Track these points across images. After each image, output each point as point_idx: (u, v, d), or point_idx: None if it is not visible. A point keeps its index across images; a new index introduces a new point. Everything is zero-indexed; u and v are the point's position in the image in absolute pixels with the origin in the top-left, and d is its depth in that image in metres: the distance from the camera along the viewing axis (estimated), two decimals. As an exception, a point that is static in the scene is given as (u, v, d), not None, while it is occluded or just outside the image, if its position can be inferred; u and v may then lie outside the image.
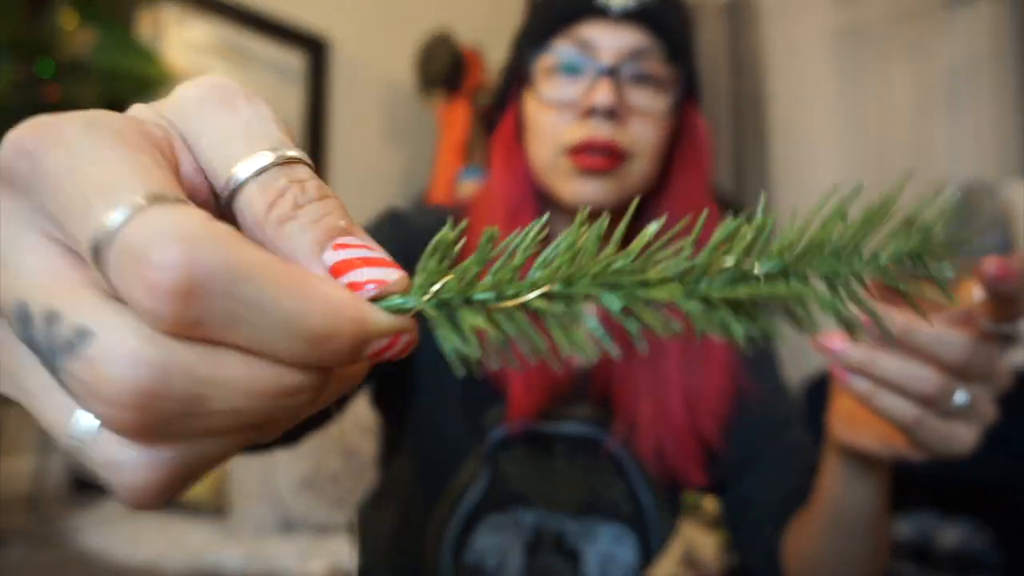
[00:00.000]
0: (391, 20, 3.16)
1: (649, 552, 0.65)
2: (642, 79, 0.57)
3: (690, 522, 1.65)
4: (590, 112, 0.55)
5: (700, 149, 0.62)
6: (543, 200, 0.61)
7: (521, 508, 0.62)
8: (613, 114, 0.55)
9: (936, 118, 2.60)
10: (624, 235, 0.20)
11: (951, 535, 1.50)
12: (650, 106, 0.57)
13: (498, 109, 0.66)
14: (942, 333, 0.31)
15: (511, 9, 3.46)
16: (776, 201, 2.95)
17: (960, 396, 0.33)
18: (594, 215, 0.57)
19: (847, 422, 0.42)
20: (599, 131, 0.55)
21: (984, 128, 2.50)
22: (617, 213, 0.54)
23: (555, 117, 0.57)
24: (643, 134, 0.57)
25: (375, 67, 3.11)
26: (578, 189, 0.57)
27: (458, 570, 0.61)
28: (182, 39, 2.53)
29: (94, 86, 1.89)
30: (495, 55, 3.03)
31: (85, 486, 2.10)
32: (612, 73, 0.54)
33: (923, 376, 0.32)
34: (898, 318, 0.31)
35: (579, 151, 0.55)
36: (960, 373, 0.32)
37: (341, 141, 2.96)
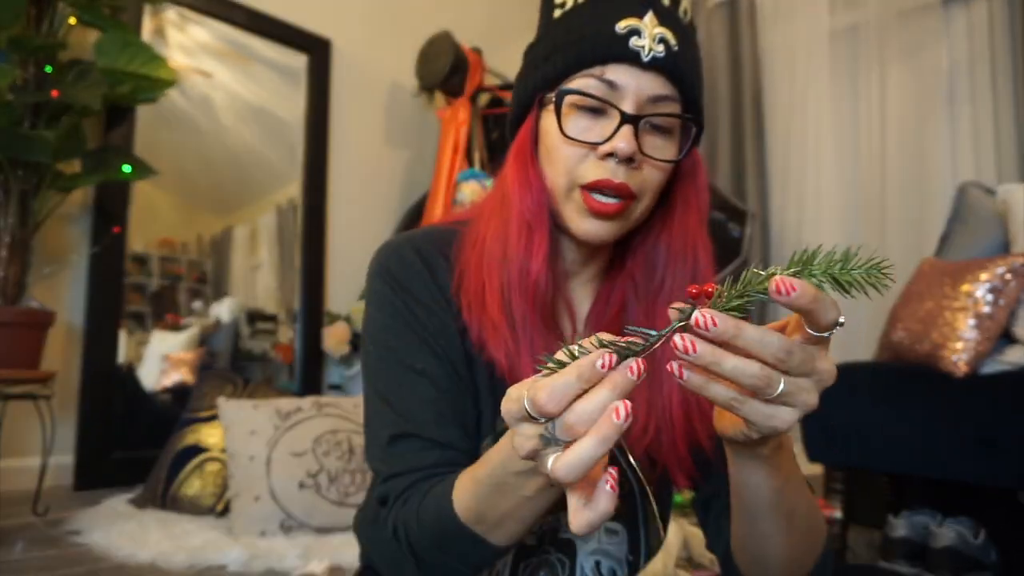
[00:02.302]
0: (392, 22, 3.16)
1: (640, 548, 0.66)
2: (658, 127, 0.61)
3: (690, 520, 1.66)
4: (609, 155, 0.58)
5: (699, 187, 0.66)
6: (553, 217, 0.64)
7: None
8: (631, 161, 0.58)
9: (933, 117, 2.61)
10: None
11: (947, 535, 1.50)
12: (662, 153, 0.61)
13: (516, 120, 0.68)
14: (763, 334, 0.38)
15: (511, 12, 3.47)
16: (774, 199, 2.95)
17: (780, 385, 0.39)
18: (602, 247, 0.69)
19: (718, 414, 0.48)
20: (615, 175, 0.58)
21: (981, 128, 2.50)
22: (618, 240, 0.66)
23: (574, 151, 0.60)
24: (652, 178, 0.61)
25: (376, 68, 3.11)
26: (587, 227, 0.61)
27: None
28: (184, 39, 2.54)
29: (95, 86, 1.90)
30: (495, 57, 3.02)
31: (87, 486, 2.11)
32: (634, 121, 0.58)
33: (749, 371, 0.38)
34: (730, 323, 0.37)
35: (593, 190, 0.59)
36: (781, 367, 0.39)
37: (342, 141, 2.96)
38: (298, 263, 2.80)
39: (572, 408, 0.37)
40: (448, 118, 2.92)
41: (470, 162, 2.87)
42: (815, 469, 1.89)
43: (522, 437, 0.40)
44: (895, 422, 1.60)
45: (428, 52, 2.93)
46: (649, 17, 0.59)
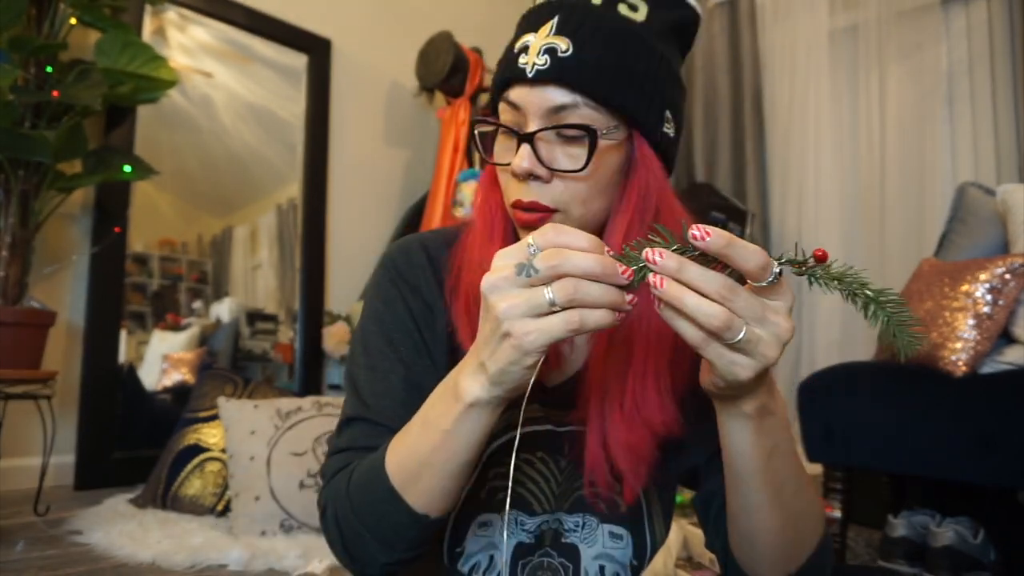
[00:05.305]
0: (392, 22, 3.16)
1: (643, 550, 0.67)
2: (567, 136, 0.59)
3: (689, 520, 1.66)
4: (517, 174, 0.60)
5: (646, 184, 0.63)
6: (515, 230, 0.65)
7: (524, 514, 0.64)
8: (533, 176, 0.59)
9: (933, 117, 2.61)
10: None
11: (946, 534, 1.51)
12: (575, 163, 0.58)
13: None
14: (705, 271, 0.43)
15: (511, 12, 3.46)
16: (774, 199, 2.96)
17: (740, 332, 0.43)
18: None
19: (703, 369, 0.51)
20: (526, 194, 0.60)
21: (981, 128, 2.51)
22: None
23: (502, 172, 0.63)
24: (567, 189, 0.59)
25: (376, 68, 3.11)
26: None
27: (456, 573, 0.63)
28: (185, 40, 2.54)
29: (96, 86, 1.90)
30: (495, 57, 3.02)
31: (88, 485, 2.11)
32: (529, 139, 0.58)
33: (709, 311, 0.42)
34: (673, 259, 0.43)
35: (516, 208, 0.61)
36: (728, 305, 0.42)
37: (342, 141, 2.97)
38: (298, 263, 2.80)
39: (579, 281, 0.43)
40: (448, 118, 2.92)
41: (470, 162, 2.87)
42: (815, 469, 1.89)
43: (499, 263, 0.45)
44: (894, 422, 1.61)
45: (428, 52, 2.93)
46: (547, 27, 0.59)
